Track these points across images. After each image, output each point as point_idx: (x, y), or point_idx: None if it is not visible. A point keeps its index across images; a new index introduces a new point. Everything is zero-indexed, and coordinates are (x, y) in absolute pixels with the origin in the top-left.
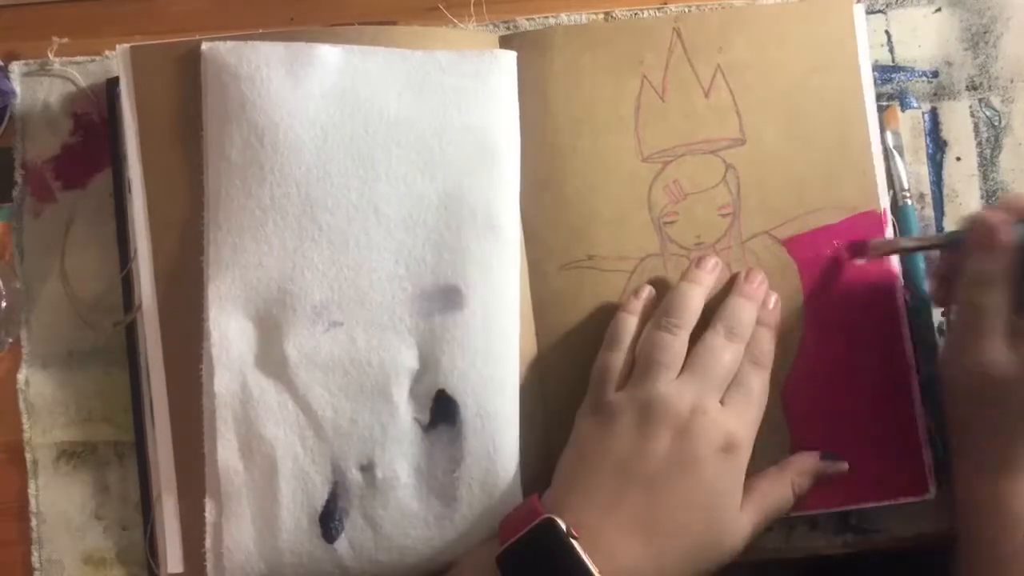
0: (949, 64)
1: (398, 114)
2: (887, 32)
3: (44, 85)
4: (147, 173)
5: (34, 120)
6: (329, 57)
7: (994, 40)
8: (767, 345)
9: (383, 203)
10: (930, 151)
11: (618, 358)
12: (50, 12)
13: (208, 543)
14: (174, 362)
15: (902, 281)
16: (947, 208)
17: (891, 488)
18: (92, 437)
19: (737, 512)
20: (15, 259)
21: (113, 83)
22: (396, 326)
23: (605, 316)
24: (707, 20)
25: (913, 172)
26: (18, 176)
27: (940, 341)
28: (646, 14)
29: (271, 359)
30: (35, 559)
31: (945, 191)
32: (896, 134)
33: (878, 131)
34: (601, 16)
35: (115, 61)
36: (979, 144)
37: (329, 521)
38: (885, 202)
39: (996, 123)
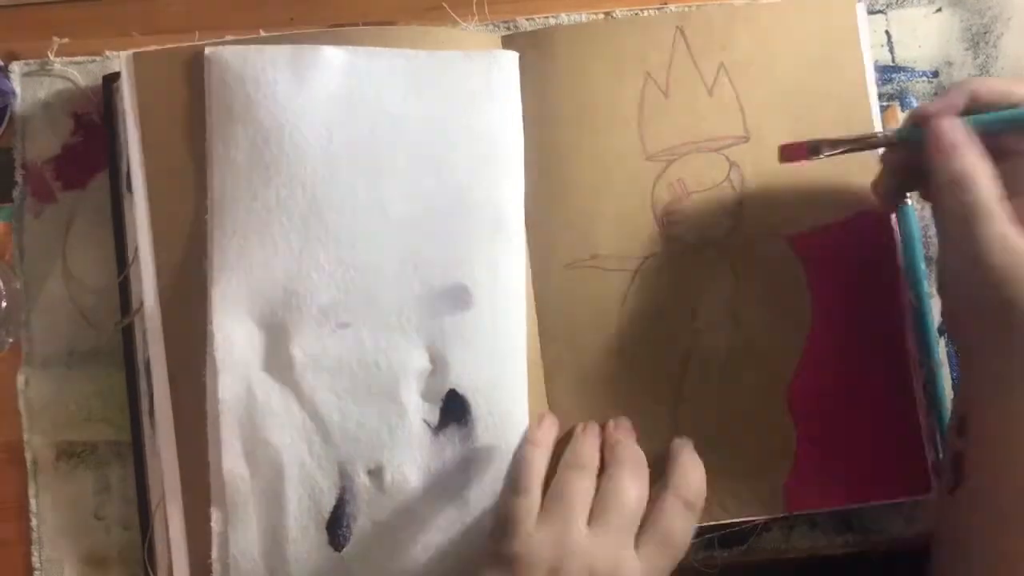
0: (949, 64)
1: (403, 114)
2: (887, 32)
3: (44, 85)
4: (149, 176)
5: (34, 120)
6: (334, 59)
7: (994, 40)
8: (697, 483)
9: (389, 203)
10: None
11: (524, 503)
12: (50, 12)
13: (214, 553)
14: (177, 366)
15: (904, 280)
16: None
17: (892, 488)
18: (92, 437)
19: None
20: (15, 259)
21: (109, 80)
22: (404, 327)
23: (608, 316)
24: (710, 18)
25: None
26: (18, 176)
27: (941, 341)
28: (646, 14)
29: (277, 362)
30: (35, 559)
31: None
32: None
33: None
34: (601, 16)
35: (115, 61)
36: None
37: (337, 528)
38: None
39: None
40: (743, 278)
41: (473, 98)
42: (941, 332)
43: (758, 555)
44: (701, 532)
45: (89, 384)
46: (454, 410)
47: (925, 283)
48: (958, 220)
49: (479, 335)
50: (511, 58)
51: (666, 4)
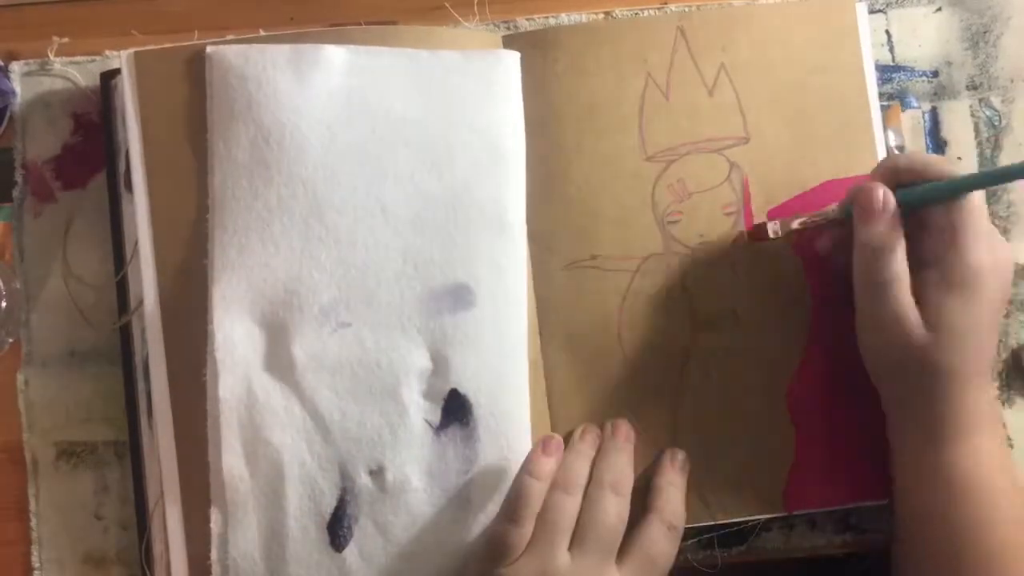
0: (949, 64)
1: (404, 114)
2: (887, 32)
3: (44, 85)
4: (149, 175)
5: (34, 120)
6: (335, 57)
7: (994, 40)
8: (679, 507)
9: (390, 202)
10: (930, 151)
11: (516, 532)
12: (50, 12)
13: (214, 554)
14: (176, 365)
15: None
16: None
17: (889, 488)
18: (92, 437)
19: None
20: (15, 259)
21: (107, 76)
22: (405, 326)
23: (608, 316)
24: (711, 19)
25: None
26: (18, 176)
27: None
28: (647, 14)
29: (277, 362)
30: (35, 559)
31: None
32: (898, 133)
33: (881, 131)
34: (602, 16)
35: (115, 61)
36: (979, 144)
37: (337, 529)
38: None
39: (996, 123)
40: (743, 278)
41: (475, 98)
42: None
43: (758, 555)
44: (701, 532)
45: (89, 384)
46: (456, 410)
47: None
48: (872, 284)
49: (481, 335)
50: (513, 58)
51: (666, 4)
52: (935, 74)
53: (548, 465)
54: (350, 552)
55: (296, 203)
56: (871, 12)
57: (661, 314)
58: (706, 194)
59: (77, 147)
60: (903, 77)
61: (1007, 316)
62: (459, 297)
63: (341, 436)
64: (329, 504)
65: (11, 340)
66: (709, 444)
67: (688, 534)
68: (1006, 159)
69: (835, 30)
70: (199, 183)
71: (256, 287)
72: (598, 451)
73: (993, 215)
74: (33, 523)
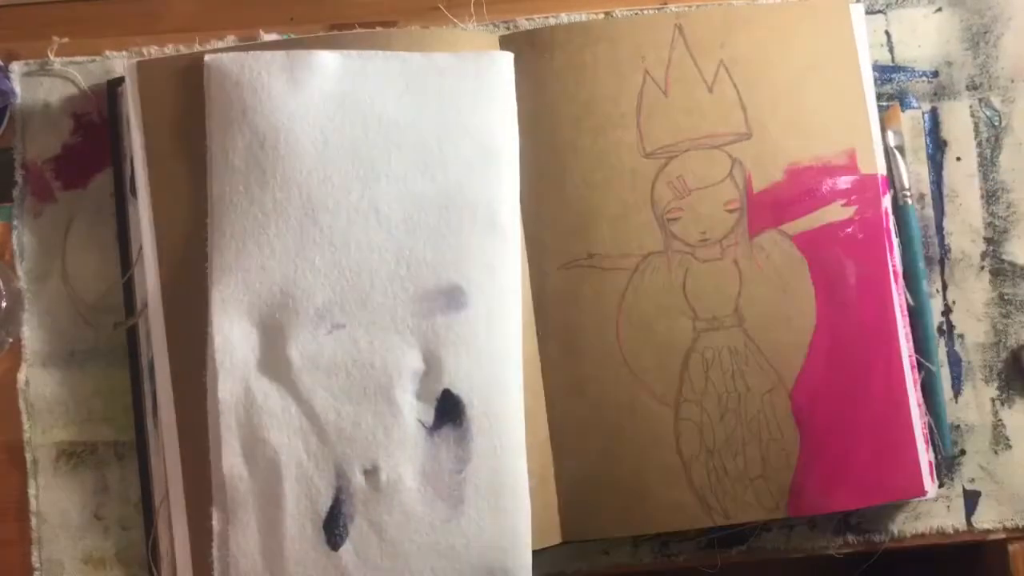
0: (949, 64)
1: (397, 116)
2: (887, 32)
3: (44, 85)
4: (153, 181)
5: (34, 120)
6: (329, 62)
7: (994, 40)
8: None
9: (384, 204)
10: (930, 151)
11: None
12: (50, 12)
13: (215, 552)
14: (180, 367)
15: (903, 281)
16: (947, 208)
17: (890, 488)
18: (92, 437)
19: None
20: (15, 259)
21: (114, 84)
22: (398, 327)
23: (606, 315)
24: (709, 16)
25: (913, 172)
26: (18, 176)
27: (940, 341)
28: (646, 13)
29: (274, 363)
30: (35, 559)
31: (945, 191)
32: (897, 134)
33: (879, 131)
34: (601, 15)
35: (115, 62)
36: (979, 144)
37: (333, 528)
38: (887, 201)
39: (996, 123)
40: (746, 277)
41: (468, 99)
42: (940, 332)
43: (758, 555)
44: (701, 532)
45: (89, 384)
46: (449, 410)
47: (924, 283)
48: None
49: (474, 335)
50: (507, 59)
51: (666, 4)
52: (935, 74)
53: None
54: (346, 551)
55: (291, 206)
56: (871, 12)
57: (661, 314)
58: (707, 191)
59: (77, 147)
60: (903, 77)
61: (1007, 316)
62: (452, 298)
63: (336, 436)
64: (325, 503)
65: (11, 340)
66: (710, 447)
67: (688, 535)
68: (1006, 159)
69: (830, 31)
70: (199, 188)
71: (253, 290)
72: None
73: (993, 215)
74: (33, 523)
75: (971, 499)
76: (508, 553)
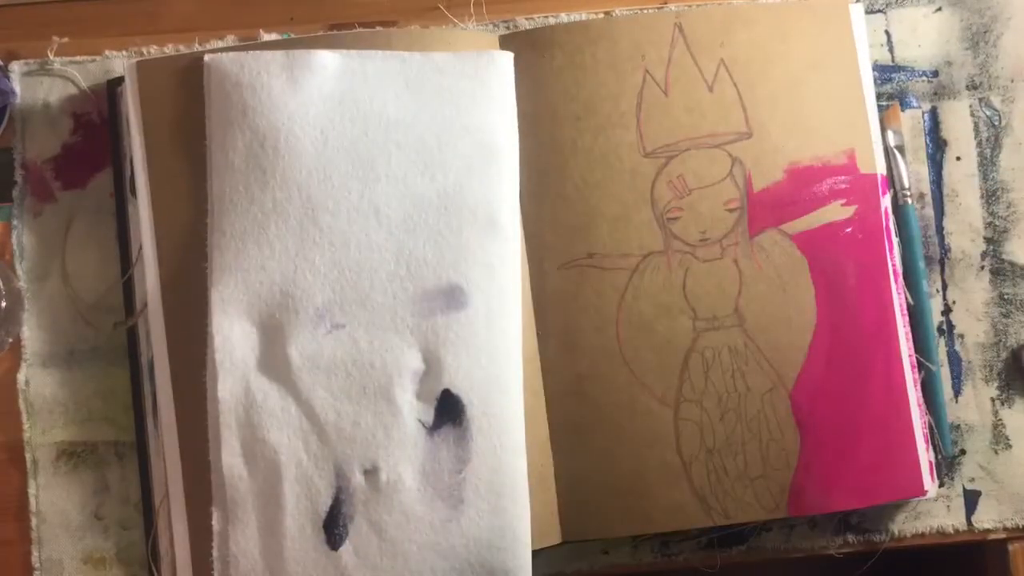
0: (949, 64)
1: (397, 116)
2: (887, 32)
3: (44, 85)
4: (152, 181)
5: (34, 120)
6: (328, 62)
7: (994, 40)
8: None
9: (383, 204)
10: (930, 151)
11: None
12: (50, 12)
13: (215, 552)
14: (180, 367)
15: (903, 281)
16: (947, 208)
17: (891, 488)
18: (92, 437)
19: None
20: (15, 259)
21: (114, 83)
22: (398, 327)
23: (606, 315)
24: (709, 16)
25: (913, 172)
26: (18, 176)
27: (940, 341)
28: (646, 12)
29: (274, 363)
30: (35, 559)
31: (945, 191)
32: (897, 133)
33: (879, 130)
34: (601, 15)
35: (115, 62)
36: (979, 144)
37: (333, 528)
38: (887, 201)
39: (996, 123)
40: (746, 276)
41: (467, 99)
42: (940, 332)
43: (758, 555)
44: (701, 532)
45: (89, 384)
46: (448, 410)
47: (924, 283)
48: None
49: (474, 335)
50: (506, 58)
51: (666, 3)
52: (935, 74)
53: None
54: (345, 551)
55: (291, 206)
56: (871, 12)
57: (661, 313)
58: (707, 190)
59: (77, 147)
60: (903, 77)
61: (1007, 316)
62: (452, 297)
63: (336, 436)
64: (325, 503)
65: (11, 340)
66: (710, 446)
67: (688, 535)
68: (1006, 159)
69: (830, 31)
70: (199, 189)
71: (253, 289)
72: None
73: (993, 215)
74: (33, 523)
75: (971, 499)
76: (508, 553)
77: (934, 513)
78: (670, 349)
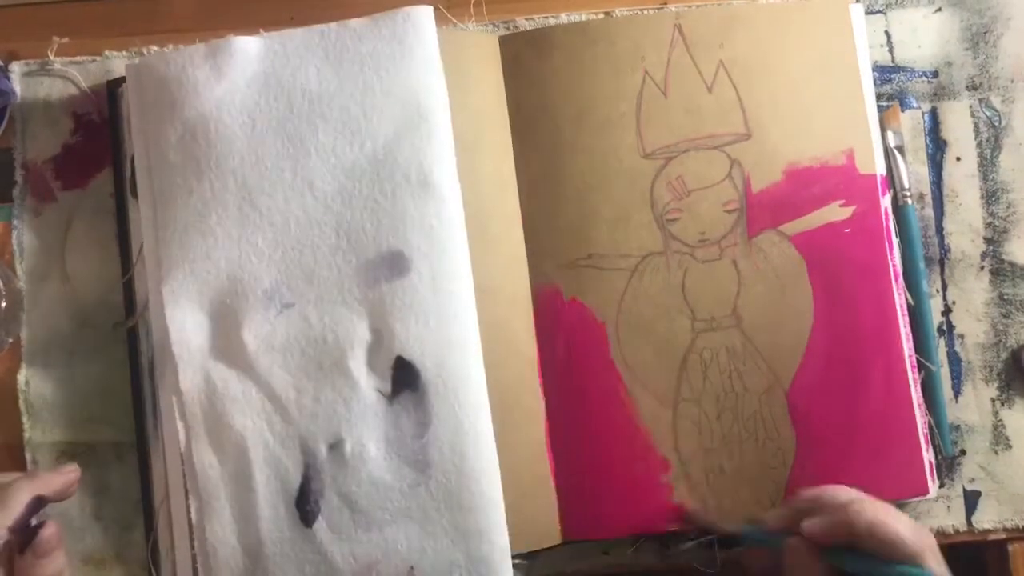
0: (949, 64)
1: (319, 89)
2: (887, 32)
3: (44, 85)
4: (153, 182)
5: (34, 120)
6: (249, 46)
7: (994, 40)
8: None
9: (317, 178)
10: (930, 151)
11: None
12: (50, 12)
13: (196, 544)
14: None
15: (903, 281)
16: (947, 208)
17: (891, 488)
18: (92, 437)
19: None
20: (15, 259)
21: (114, 83)
22: (346, 299)
23: (606, 316)
24: (708, 16)
25: (913, 172)
26: (18, 176)
27: (940, 341)
28: (646, 13)
29: (230, 349)
30: None
31: (945, 191)
32: (897, 134)
33: (879, 131)
34: (601, 15)
35: (115, 63)
36: (979, 144)
37: (305, 504)
38: (887, 201)
39: (996, 123)
40: (745, 277)
41: (388, 61)
42: (940, 333)
43: None
44: (701, 532)
45: (89, 384)
46: (404, 377)
47: (924, 283)
48: None
49: (420, 299)
50: (424, 13)
51: (666, 4)
52: (935, 74)
53: None
54: (319, 526)
55: (228, 193)
56: (870, 13)
57: (659, 314)
58: (706, 191)
59: (77, 147)
60: (903, 77)
61: (1007, 316)
62: (394, 264)
63: (298, 414)
64: (295, 481)
65: (11, 340)
66: (708, 446)
67: (688, 535)
68: (1006, 159)
69: (829, 32)
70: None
71: (201, 279)
72: None
73: (993, 216)
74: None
75: (971, 499)
76: (480, 513)
77: (934, 513)
78: (669, 349)
